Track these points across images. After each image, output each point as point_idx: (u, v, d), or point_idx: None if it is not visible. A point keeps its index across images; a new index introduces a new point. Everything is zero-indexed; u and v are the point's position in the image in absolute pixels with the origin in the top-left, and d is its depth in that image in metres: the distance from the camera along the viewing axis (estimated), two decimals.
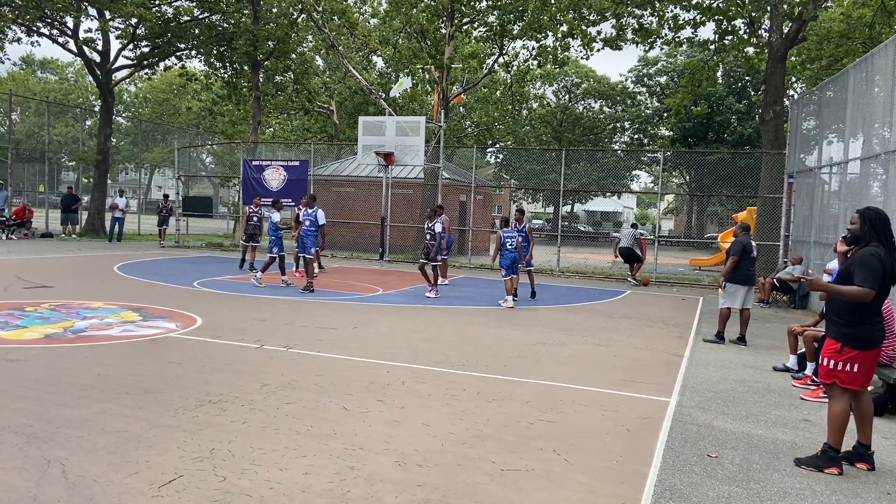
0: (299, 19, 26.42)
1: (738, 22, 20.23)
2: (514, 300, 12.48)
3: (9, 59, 26.91)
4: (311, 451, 4.51)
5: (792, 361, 7.97)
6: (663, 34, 21.50)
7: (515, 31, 22.87)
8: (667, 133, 51.52)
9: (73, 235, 24.47)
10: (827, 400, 5.08)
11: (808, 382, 7.19)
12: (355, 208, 24.65)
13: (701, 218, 53.08)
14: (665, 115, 46.58)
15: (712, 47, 21.46)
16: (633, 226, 20.02)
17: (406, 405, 5.69)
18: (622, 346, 9.01)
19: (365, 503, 3.77)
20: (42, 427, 4.70)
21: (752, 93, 43.36)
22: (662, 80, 50.55)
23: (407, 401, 5.82)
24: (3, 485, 3.76)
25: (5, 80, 56.40)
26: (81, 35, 25.00)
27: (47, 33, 25.61)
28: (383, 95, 30.88)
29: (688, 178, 53.13)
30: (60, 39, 25.90)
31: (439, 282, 13.62)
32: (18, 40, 25.43)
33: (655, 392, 6.60)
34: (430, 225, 13.42)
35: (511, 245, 12.71)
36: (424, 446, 4.72)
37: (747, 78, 43.44)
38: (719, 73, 36.28)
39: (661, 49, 35.74)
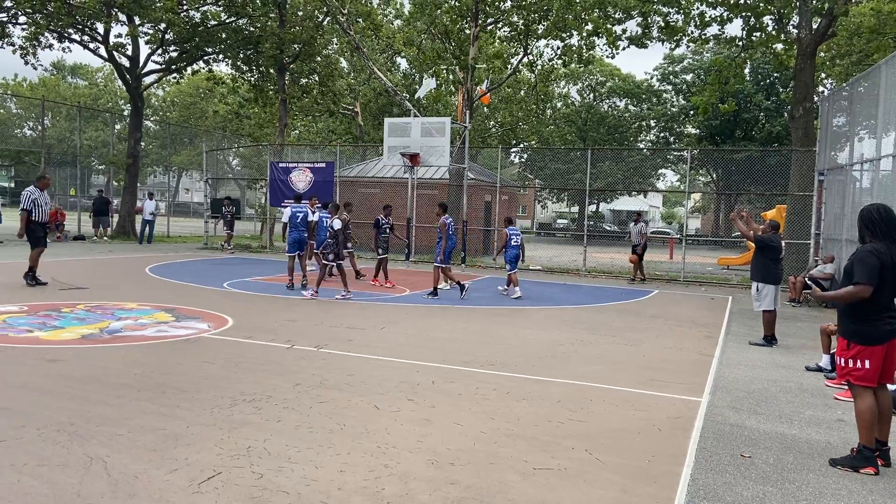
0: (325, 22, 26.61)
1: (767, 18, 19.98)
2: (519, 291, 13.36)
3: (41, 65, 27.43)
4: (344, 449, 4.58)
5: (825, 361, 7.86)
6: (689, 31, 21.32)
7: (540, 31, 22.82)
8: (693, 131, 50.99)
9: (105, 238, 24.92)
10: None
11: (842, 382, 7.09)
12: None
13: (729, 216, 52.46)
14: (692, 112, 46.13)
15: (740, 44, 21.22)
16: (636, 219, 19.33)
17: (436, 404, 5.73)
18: (651, 345, 8.96)
19: (400, 501, 3.82)
20: (83, 425, 4.83)
21: (781, 90, 42.77)
22: (688, 77, 50.03)
23: (437, 400, 5.86)
24: (49, 481, 3.87)
25: (37, 86, 57.66)
26: (112, 41, 25.46)
27: (78, 39, 26.11)
28: (407, 96, 31.00)
29: (714, 176, 52.52)
30: (91, 45, 26.39)
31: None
32: (50, 46, 25.94)
33: (686, 392, 6.56)
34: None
35: (515, 242, 13.72)
36: (456, 445, 4.76)
37: (776, 75, 42.84)
38: (747, 70, 35.84)
39: (688, 47, 35.35)
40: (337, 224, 12.23)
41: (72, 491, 3.76)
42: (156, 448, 4.44)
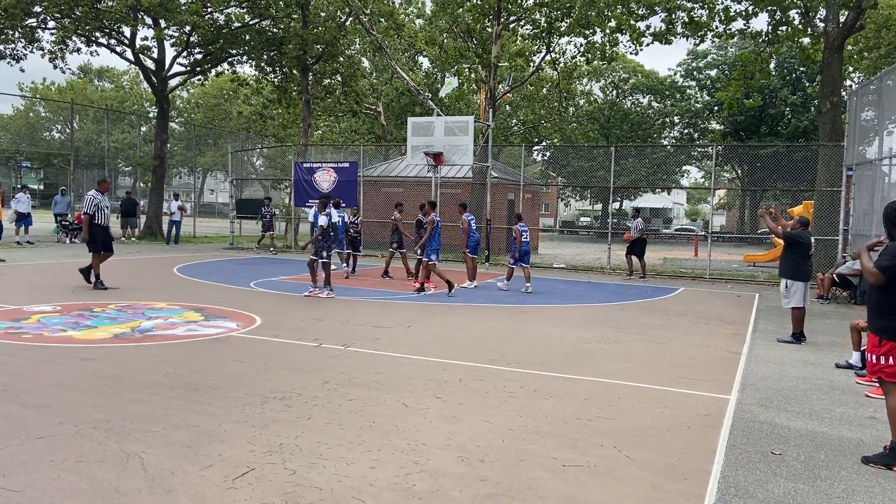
0: (347, 22, 26.77)
1: (793, 12, 19.71)
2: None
3: (69, 69, 27.93)
4: (374, 446, 4.63)
5: (855, 358, 7.76)
6: (714, 27, 21.10)
7: (563, 28, 22.73)
8: (718, 127, 50.45)
9: (133, 239, 25.31)
10: None
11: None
12: (405, 209, 24.83)
13: (754, 213, 51.74)
14: (716, 108, 45.64)
15: (765, 39, 20.96)
16: (635, 214, 18.91)
17: (464, 402, 5.76)
18: (678, 343, 8.91)
19: (431, 497, 3.85)
20: (119, 422, 4.93)
21: (808, 84, 42.14)
22: (713, 73, 49.51)
23: (465, 398, 5.89)
24: (87, 477, 3.97)
25: (65, 90, 58.68)
26: (138, 44, 25.83)
27: (105, 43, 26.54)
28: (430, 96, 31.06)
29: (740, 172, 51.91)
30: (118, 49, 26.82)
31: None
32: (78, 50, 26.41)
33: (714, 389, 6.52)
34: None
35: (525, 238, 14.20)
36: (485, 442, 4.79)
37: (802, 69, 42.23)
38: (772, 65, 35.32)
39: (712, 42, 34.97)
40: (323, 220, 12.25)
41: (110, 486, 3.85)
42: (190, 445, 4.52)
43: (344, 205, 17.65)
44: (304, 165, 23.39)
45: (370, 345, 8.00)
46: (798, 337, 9.41)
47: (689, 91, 51.47)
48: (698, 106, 50.43)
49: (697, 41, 22.02)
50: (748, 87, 22.90)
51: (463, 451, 4.60)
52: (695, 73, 50.34)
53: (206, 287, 13.07)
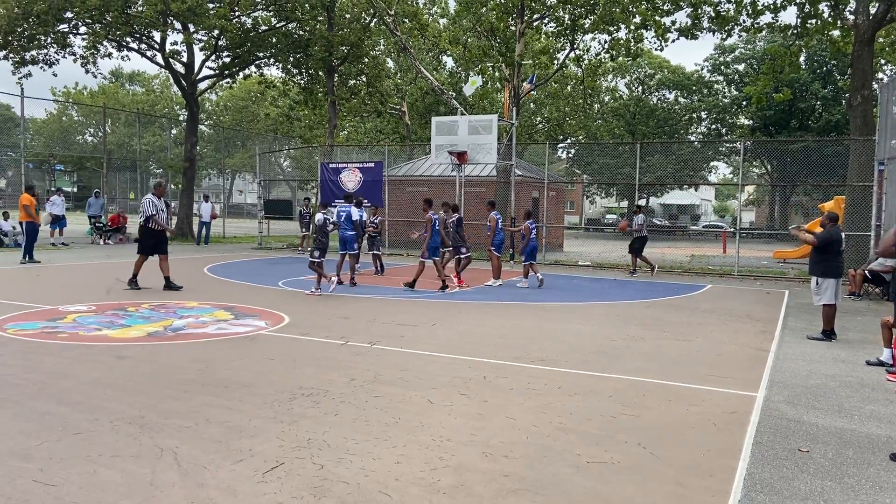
0: (372, 24, 26.93)
1: (822, 4, 19.39)
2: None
3: (101, 74, 28.58)
4: (400, 441, 4.70)
5: (886, 355, 7.65)
6: (741, 21, 20.84)
7: (587, 25, 22.62)
8: (746, 122, 49.76)
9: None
10: None
11: None
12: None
13: (784, 208, 50.96)
14: (744, 103, 45.01)
15: (794, 32, 20.64)
16: (636, 210, 18.74)
17: (489, 399, 5.81)
18: (705, 340, 8.85)
19: (455, 492, 3.91)
20: (153, 418, 5.07)
21: (839, 77, 41.36)
22: (741, 67, 48.84)
23: (490, 395, 5.94)
24: (123, 471, 4.09)
25: (97, 94, 59.84)
26: (168, 48, 26.27)
27: (136, 48, 27.03)
28: (454, 95, 31.09)
29: (769, 167, 51.12)
30: (148, 53, 27.30)
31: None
32: (109, 55, 26.94)
33: (741, 387, 6.48)
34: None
35: (535, 234, 14.59)
36: (509, 438, 4.83)
37: (833, 62, 41.45)
38: (802, 59, 34.75)
39: (739, 36, 34.51)
40: (319, 218, 12.44)
41: (145, 480, 3.97)
42: (221, 440, 4.64)
43: (368, 203, 17.77)
44: (331, 166, 23.60)
45: (396, 342, 8.08)
46: (828, 334, 9.29)
47: (716, 86, 50.81)
48: (726, 101, 49.77)
49: (724, 36, 21.73)
50: (777, 82, 22.59)
51: (487, 446, 4.65)
52: (722, 67, 49.69)
53: (236, 286, 13.28)
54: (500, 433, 4.94)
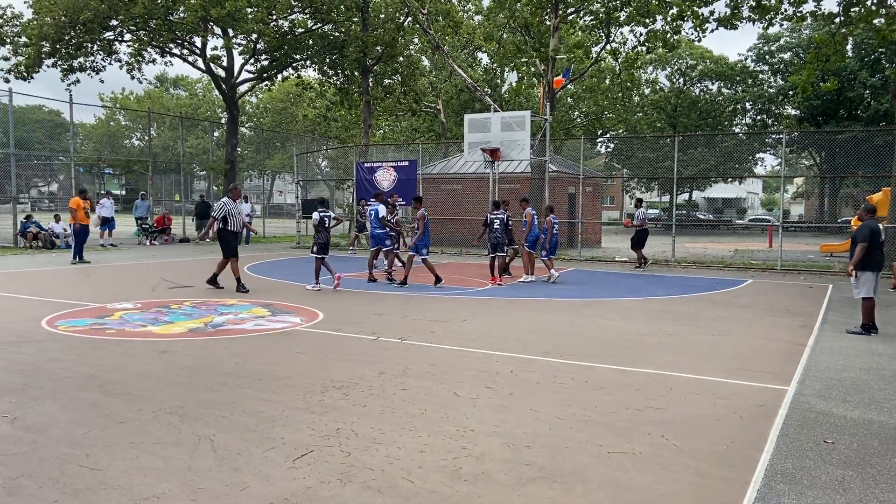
0: (405, 23, 27.14)
1: None
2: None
3: (146, 79, 29.53)
4: (425, 432, 4.84)
5: None
6: (783, 9, 20.39)
7: (622, 18, 22.42)
8: (793, 112, 48.56)
9: (207, 240, 26.38)
10: None
11: None
12: (464, 205, 25.08)
13: (834, 201, 49.60)
14: (790, 93, 43.93)
15: (837, 21, 20.10)
16: (637, 204, 18.55)
17: (514, 392, 5.91)
18: (740, 335, 8.78)
19: (476, 479, 4.03)
20: (192, 408, 5.31)
21: (887, 65, 40.07)
22: (786, 56, 47.67)
23: (515, 388, 6.04)
24: (163, 457, 4.32)
25: (143, 99, 61.54)
26: (209, 53, 26.93)
27: (178, 53, 27.78)
28: (488, 91, 31.13)
29: (818, 159, 49.80)
30: (190, 58, 28.03)
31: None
32: (153, 61, 27.76)
33: (773, 381, 6.45)
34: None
35: (556, 230, 14.71)
36: (532, 430, 4.93)
37: (881, 50, 40.15)
38: (849, 47, 33.80)
39: (781, 25, 33.72)
40: (315, 217, 12.70)
41: (183, 465, 4.19)
42: (255, 429, 4.85)
43: (403, 202, 17.96)
44: (366, 165, 23.88)
45: (426, 338, 8.23)
46: (868, 328, 9.12)
47: (761, 76, 49.69)
48: (771, 91, 48.64)
49: (765, 25, 21.28)
50: (823, 71, 22.02)
51: (510, 437, 4.76)
52: (767, 56, 48.56)
53: (274, 284, 13.62)
54: (524, 425, 5.04)
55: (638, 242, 17.97)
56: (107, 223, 22.94)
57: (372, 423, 4.99)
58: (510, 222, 14.36)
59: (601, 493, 3.88)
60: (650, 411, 5.42)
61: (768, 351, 7.84)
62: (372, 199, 16.30)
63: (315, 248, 12.72)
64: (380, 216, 13.96)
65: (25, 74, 24.53)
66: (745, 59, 49.76)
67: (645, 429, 4.99)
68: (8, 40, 24.40)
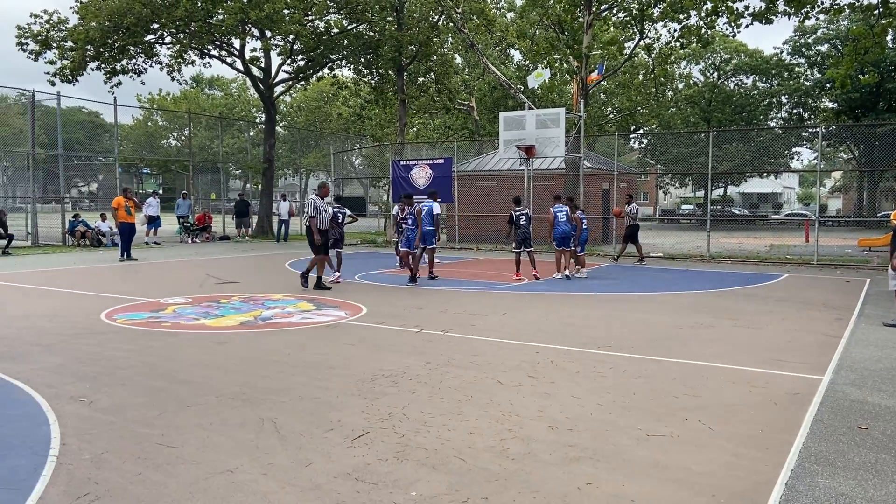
0: (439, 22, 27.42)
1: None
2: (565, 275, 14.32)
3: (185, 80, 30.32)
4: (472, 416, 5.12)
5: None
6: (819, 2, 20.20)
7: (656, 14, 22.41)
8: (830, 105, 47.71)
9: (246, 237, 27.07)
10: None
11: None
12: (499, 202, 25.28)
13: (872, 195, 48.61)
14: (828, 85, 43.20)
15: (877, 11, 19.86)
16: (629, 201, 18.71)
17: (556, 380, 6.16)
18: (775, 328, 8.90)
19: (523, 458, 4.31)
20: (252, 394, 5.67)
21: None
22: (823, 48, 46.86)
23: (556, 377, 6.29)
24: (231, 437, 4.68)
25: (179, 99, 62.81)
26: (248, 55, 27.54)
27: (217, 55, 28.46)
28: (522, 88, 31.26)
29: (856, 152, 48.86)
30: (228, 60, 28.69)
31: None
32: (193, 62, 28.48)
33: (808, 371, 6.60)
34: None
35: (562, 219, 14.33)
36: (574, 415, 5.18)
37: None
38: (889, 38, 33.14)
39: (816, 18, 33.14)
40: (329, 212, 12.84)
41: (251, 444, 4.54)
42: (313, 412, 5.18)
43: (440, 200, 18.20)
44: (402, 163, 24.25)
45: (467, 330, 8.52)
46: None
47: (797, 69, 48.91)
48: (808, 84, 47.86)
49: (801, 18, 21.09)
50: (861, 63, 21.74)
51: (553, 421, 5.02)
52: (803, 49, 47.78)
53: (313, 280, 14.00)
54: (566, 410, 5.30)
55: (630, 237, 18.21)
56: (153, 222, 23.69)
57: (422, 408, 5.29)
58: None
59: (641, 471, 4.12)
60: (686, 398, 5.63)
61: (803, 343, 7.96)
62: (424, 197, 16.31)
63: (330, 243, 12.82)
64: (433, 213, 13.93)
65: (70, 77, 25.38)
66: (781, 53, 49.04)
67: (682, 414, 5.21)
68: (54, 45, 25.27)
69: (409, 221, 13.90)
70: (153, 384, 6.00)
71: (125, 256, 17.75)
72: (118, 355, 7.09)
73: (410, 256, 13.81)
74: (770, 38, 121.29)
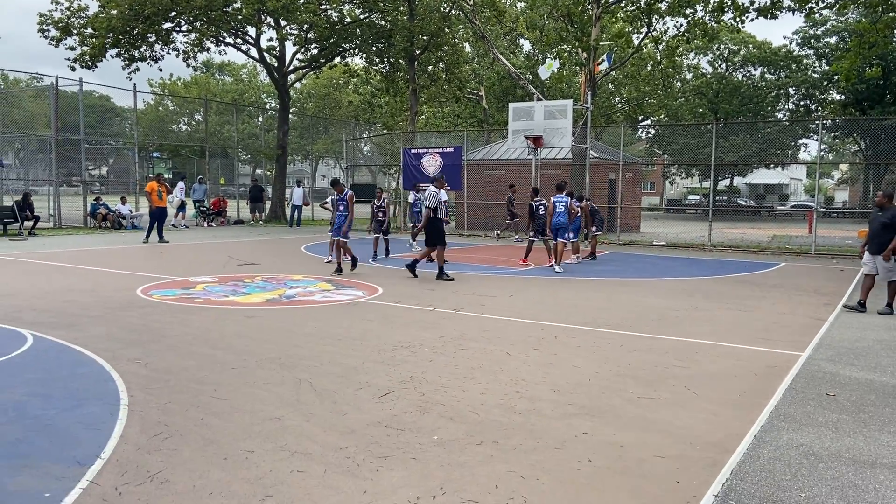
0: (451, 13, 27.90)
1: None
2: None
3: (200, 66, 30.98)
4: (484, 380, 5.79)
5: None
6: None
7: (662, 9, 22.86)
8: (837, 97, 47.97)
9: (260, 222, 27.77)
10: None
11: None
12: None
13: (878, 187, 48.85)
14: (835, 78, 43.46)
15: (882, 6, 20.25)
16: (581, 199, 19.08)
17: (558, 353, 6.82)
18: (765, 311, 9.52)
19: (529, 413, 4.97)
20: (287, 360, 6.35)
21: None
22: (832, 40, 47.06)
23: (559, 350, 6.95)
24: (274, 393, 5.35)
25: (190, 84, 63.38)
26: (264, 44, 28.11)
27: (232, 43, 29.04)
28: (531, 78, 31.74)
29: (863, 145, 49.15)
30: (243, 48, 29.27)
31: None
32: (208, 50, 29.10)
33: (789, 348, 7.23)
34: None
35: (560, 209, 14.23)
36: (574, 380, 5.84)
37: None
38: (895, 32, 33.39)
39: (820, 14, 33.44)
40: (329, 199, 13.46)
41: (292, 399, 5.21)
42: (343, 375, 5.86)
43: (449, 188, 18.83)
44: (413, 151, 24.85)
45: (477, 309, 9.18)
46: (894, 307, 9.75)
47: (805, 61, 49.12)
48: (816, 76, 48.09)
49: (806, 13, 21.51)
50: (867, 57, 22.12)
51: (555, 385, 5.68)
52: (812, 41, 47.98)
53: (332, 263, 14.66)
54: (567, 376, 5.96)
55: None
56: (182, 206, 24.47)
57: (438, 373, 5.97)
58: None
59: (632, 425, 4.78)
60: (676, 369, 6.29)
61: (789, 324, 8.59)
62: (424, 185, 16.67)
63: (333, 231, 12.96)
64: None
65: (90, 64, 26.01)
66: (790, 43, 49.23)
67: (671, 382, 5.86)
68: (75, 31, 25.89)
69: (341, 208, 12.90)
70: (198, 350, 6.68)
71: (159, 239, 18.15)
72: (161, 326, 7.78)
73: (336, 244, 13.03)
74: (780, 28, 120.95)
